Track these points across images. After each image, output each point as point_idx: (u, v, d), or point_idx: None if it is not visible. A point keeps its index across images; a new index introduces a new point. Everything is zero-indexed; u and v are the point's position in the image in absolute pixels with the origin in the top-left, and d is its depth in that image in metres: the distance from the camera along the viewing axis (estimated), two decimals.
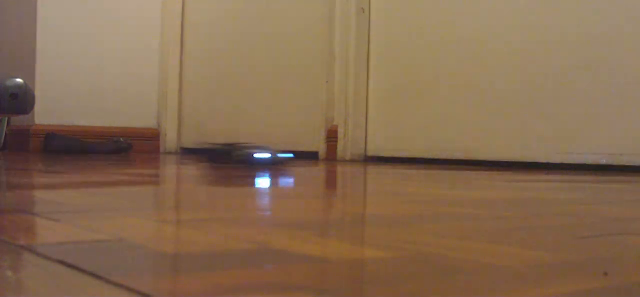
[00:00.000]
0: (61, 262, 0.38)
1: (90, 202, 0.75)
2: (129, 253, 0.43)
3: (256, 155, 1.63)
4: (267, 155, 1.65)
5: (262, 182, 1.16)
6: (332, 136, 2.79)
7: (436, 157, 2.51)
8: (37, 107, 3.20)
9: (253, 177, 1.26)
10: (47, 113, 3.26)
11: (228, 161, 1.64)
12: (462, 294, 0.33)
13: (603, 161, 2.07)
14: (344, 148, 2.74)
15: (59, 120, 3.29)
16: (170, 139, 3.56)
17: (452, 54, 2.47)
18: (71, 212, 0.64)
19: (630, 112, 2.02)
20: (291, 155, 1.69)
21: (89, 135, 3.28)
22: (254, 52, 3.20)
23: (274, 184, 1.09)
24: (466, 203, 0.84)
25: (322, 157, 2.82)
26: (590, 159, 2.10)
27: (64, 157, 2.35)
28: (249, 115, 3.21)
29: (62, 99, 3.31)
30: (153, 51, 3.54)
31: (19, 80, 1.57)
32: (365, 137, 2.75)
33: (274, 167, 1.59)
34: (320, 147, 2.83)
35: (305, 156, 2.91)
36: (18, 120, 3.30)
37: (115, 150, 3.11)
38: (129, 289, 0.32)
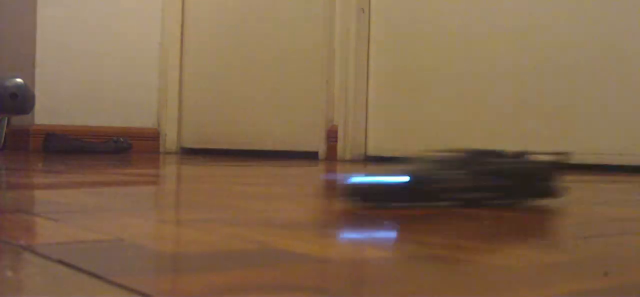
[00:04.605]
0: (61, 262, 0.38)
1: (90, 202, 0.75)
2: (129, 253, 0.43)
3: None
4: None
5: None
6: (332, 136, 2.79)
7: None
8: (37, 107, 3.20)
9: None
10: (47, 113, 3.26)
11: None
12: (462, 294, 0.33)
13: (603, 161, 2.07)
14: (344, 148, 2.74)
15: (59, 120, 3.29)
16: (170, 139, 3.56)
17: (452, 54, 2.47)
18: (71, 212, 0.64)
19: (631, 112, 2.02)
20: None
21: (89, 136, 3.28)
22: (253, 52, 3.20)
23: None
24: None
25: (322, 157, 2.82)
26: (590, 159, 2.10)
27: (64, 157, 2.35)
28: (249, 115, 3.22)
29: (62, 99, 3.31)
30: (153, 51, 3.54)
31: (19, 80, 1.57)
32: (365, 137, 2.75)
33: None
34: (320, 147, 2.84)
35: (305, 156, 2.91)
36: (18, 120, 3.30)
37: (115, 150, 3.11)
38: (129, 289, 0.32)
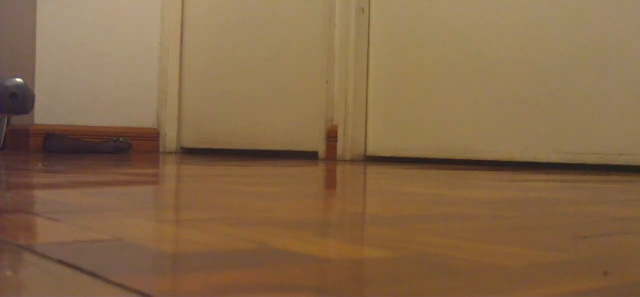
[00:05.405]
0: (61, 262, 0.38)
1: (90, 202, 0.75)
2: (129, 253, 0.43)
3: None
4: None
5: None
6: (332, 136, 2.79)
7: (436, 157, 2.51)
8: (37, 107, 3.20)
9: None
10: (47, 113, 3.26)
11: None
12: (462, 294, 0.33)
13: (603, 161, 2.07)
14: (344, 148, 2.74)
15: (58, 120, 3.29)
16: (170, 139, 3.56)
17: (452, 54, 2.47)
18: (71, 212, 0.64)
19: (631, 113, 2.02)
20: None
21: (89, 135, 3.28)
22: (254, 52, 3.20)
23: None
24: (466, 203, 0.84)
25: (322, 157, 2.82)
26: (590, 159, 2.10)
27: (64, 157, 2.35)
28: (249, 115, 3.21)
29: (62, 99, 3.31)
30: (153, 51, 3.54)
31: (19, 80, 1.57)
32: (365, 137, 2.75)
33: None
34: (320, 147, 2.83)
35: (305, 156, 2.91)
36: (18, 120, 3.30)
37: (115, 150, 3.11)
38: (129, 289, 0.32)
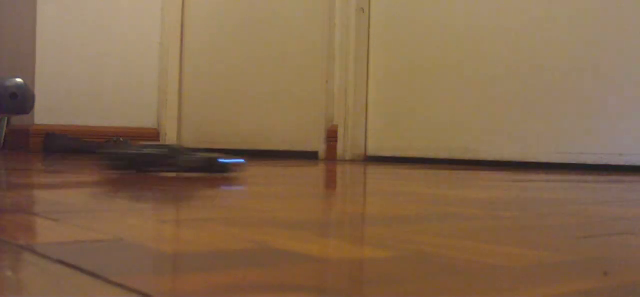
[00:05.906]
0: (61, 262, 0.38)
1: (90, 202, 0.75)
2: (129, 253, 0.43)
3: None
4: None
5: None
6: (332, 136, 2.79)
7: (436, 157, 2.51)
8: (37, 107, 3.20)
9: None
10: (47, 113, 3.26)
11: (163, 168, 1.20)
12: (462, 294, 0.33)
13: (603, 161, 2.07)
14: (344, 148, 2.74)
15: (59, 120, 3.29)
16: (170, 139, 3.56)
17: (452, 54, 2.47)
18: (71, 212, 0.64)
19: (630, 113, 2.02)
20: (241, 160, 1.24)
21: (89, 135, 3.28)
22: (254, 52, 3.20)
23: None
24: (466, 203, 0.84)
25: (322, 157, 2.82)
26: (590, 159, 2.10)
27: (64, 157, 2.35)
28: (248, 115, 3.21)
29: (62, 99, 3.31)
30: (153, 51, 3.54)
31: (19, 80, 1.57)
32: (365, 137, 2.75)
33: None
34: (320, 147, 2.83)
35: (305, 156, 2.91)
36: (18, 120, 3.29)
37: None
38: (129, 289, 0.32)
